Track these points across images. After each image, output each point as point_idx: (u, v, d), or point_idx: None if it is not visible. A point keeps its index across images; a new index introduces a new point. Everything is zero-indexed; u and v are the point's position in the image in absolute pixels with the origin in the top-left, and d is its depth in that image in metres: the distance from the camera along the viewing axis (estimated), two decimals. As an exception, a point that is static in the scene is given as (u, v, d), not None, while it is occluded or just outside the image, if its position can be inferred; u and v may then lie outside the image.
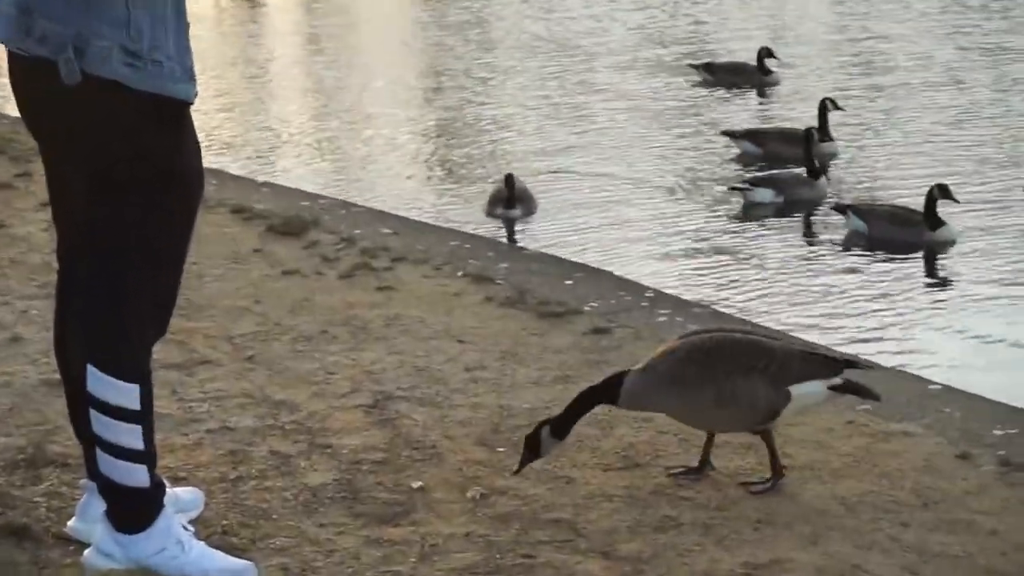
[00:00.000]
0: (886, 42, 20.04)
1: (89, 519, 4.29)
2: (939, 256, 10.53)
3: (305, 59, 21.80)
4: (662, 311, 8.02)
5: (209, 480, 4.97)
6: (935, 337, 8.55)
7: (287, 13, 26.77)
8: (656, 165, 13.36)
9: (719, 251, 10.59)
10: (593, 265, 9.79)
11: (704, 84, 17.31)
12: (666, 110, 16.02)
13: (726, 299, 9.26)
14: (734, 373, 4.94)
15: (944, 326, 8.79)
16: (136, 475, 4.12)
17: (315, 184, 12.77)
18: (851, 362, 5.27)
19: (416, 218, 11.28)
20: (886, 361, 7.56)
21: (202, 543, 4.29)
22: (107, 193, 3.98)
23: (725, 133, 14.03)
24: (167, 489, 4.33)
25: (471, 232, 10.85)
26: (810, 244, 11.07)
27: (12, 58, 4.01)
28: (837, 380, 5.09)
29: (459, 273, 8.32)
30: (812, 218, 11.75)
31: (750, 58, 17.61)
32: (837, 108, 13.71)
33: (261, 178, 12.76)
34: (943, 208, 10.81)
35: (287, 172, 13.57)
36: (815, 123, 13.34)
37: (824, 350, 5.72)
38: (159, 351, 5.07)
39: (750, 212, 11.78)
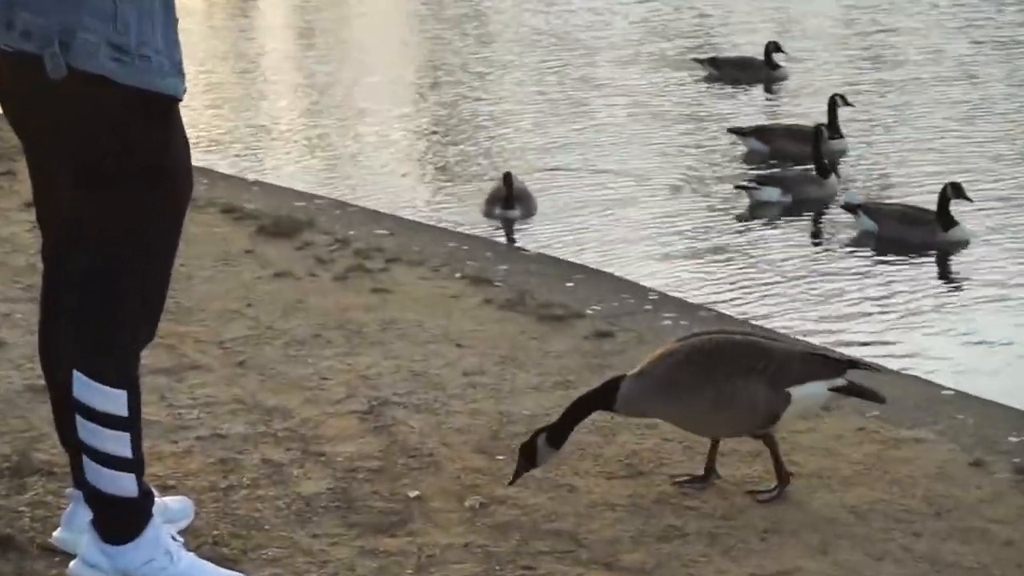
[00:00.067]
0: (896, 36, 20.06)
1: (75, 529, 4.29)
2: (952, 257, 10.54)
3: (297, 54, 21.81)
4: (666, 314, 8.03)
5: (199, 489, 4.97)
6: (948, 341, 8.56)
7: (279, 7, 26.77)
8: (659, 163, 13.37)
9: (725, 252, 10.59)
10: (595, 266, 9.79)
11: (709, 79, 17.32)
12: (670, 106, 16.03)
13: (732, 301, 9.27)
14: (732, 375, 4.94)
15: (957, 329, 8.79)
16: (123, 484, 4.11)
17: (308, 183, 12.77)
18: (854, 363, 5.26)
19: (412, 218, 11.29)
20: (897, 365, 7.57)
21: (192, 554, 4.28)
22: (94, 188, 3.98)
23: (731, 130, 14.04)
24: (156, 498, 4.33)
25: (469, 232, 10.86)
26: (818, 245, 11.08)
27: (-5, 53, 4.01)
28: (840, 381, 5.10)
29: (457, 275, 8.32)
30: (821, 218, 11.76)
31: (757, 52, 17.63)
32: (847, 104, 13.72)
33: (252, 177, 12.76)
34: (956, 207, 10.82)
35: (279, 170, 13.57)
36: (824, 119, 13.36)
37: (826, 351, 5.72)
38: (147, 356, 5.07)
39: (757, 212, 11.79)
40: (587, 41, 20.69)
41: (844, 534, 4.79)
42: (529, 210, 11.62)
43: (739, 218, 11.62)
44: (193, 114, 15.35)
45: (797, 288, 9.63)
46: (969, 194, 10.86)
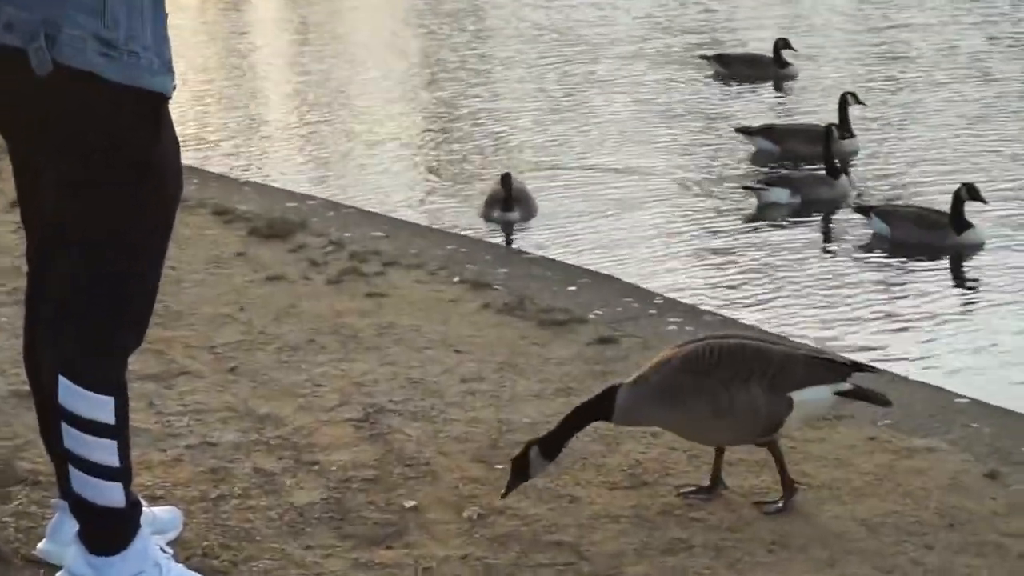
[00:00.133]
0: (909, 31, 20.08)
1: (61, 540, 4.29)
2: (966, 260, 10.54)
3: (290, 50, 21.82)
4: (672, 319, 8.03)
5: (188, 499, 4.98)
6: (962, 347, 8.56)
7: (271, 1, 26.81)
8: (664, 163, 13.38)
9: (731, 255, 10.60)
10: (597, 270, 9.80)
11: (717, 77, 17.34)
12: (675, 105, 16.04)
13: (738, 306, 9.27)
14: (731, 381, 4.94)
15: (972, 335, 8.79)
16: (111, 494, 4.11)
17: (301, 183, 12.78)
18: (860, 366, 5.26)
19: (409, 219, 11.30)
20: (909, 372, 7.57)
21: (181, 566, 4.29)
22: (80, 187, 3.98)
23: (739, 129, 14.05)
24: (144, 508, 4.33)
25: (468, 235, 10.87)
26: (829, 248, 11.09)
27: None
28: (844, 386, 5.09)
29: (455, 278, 8.33)
30: (831, 220, 11.77)
31: (766, 49, 17.64)
32: (858, 103, 13.73)
33: (244, 177, 12.77)
34: (971, 209, 10.82)
35: (271, 170, 13.58)
36: (835, 118, 13.36)
37: (829, 354, 5.72)
38: (135, 361, 5.08)
39: (765, 213, 11.80)
40: (589, 37, 20.71)
41: (854, 548, 4.79)
42: (529, 212, 11.62)
43: (747, 220, 11.63)
44: (183, 112, 15.37)
45: (806, 292, 9.64)
46: (984, 195, 10.86)
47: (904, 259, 10.50)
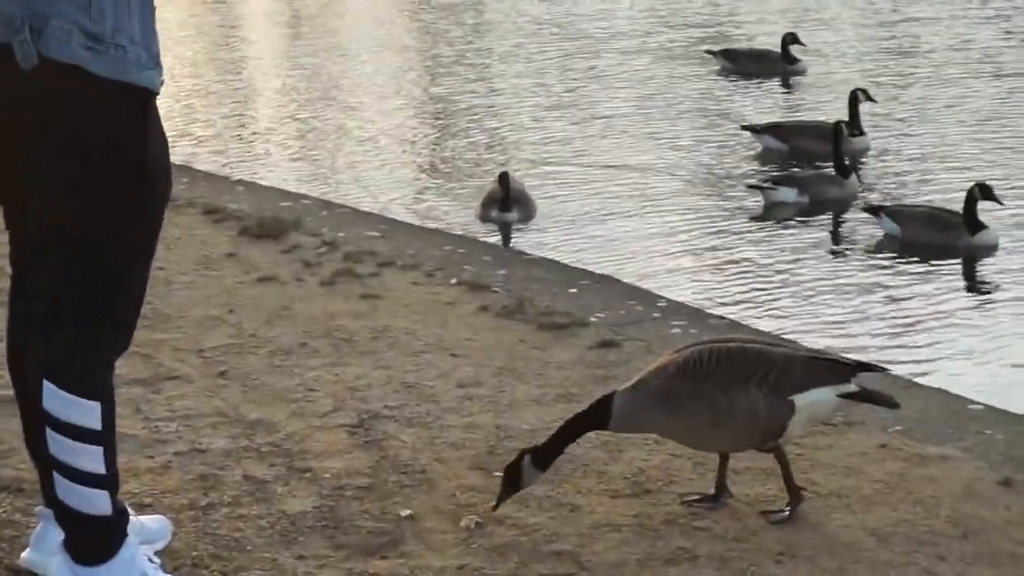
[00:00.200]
0: (921, 26, 20.09)
1: (45, 550, 4.29)
2: (979, 262, 10.54)
3: (282, 44, 21.83)
4: (676, 322, 8.04)
5: (177, 507, 4.98)
6: (975, 351, 8.56)
7: (263, -7, 26.83)
8: (668, 162, 13.38)
9: (738, 256, 10.60)
10: (599, 271, 9.80)
11: (723, 72, 17.35)
12: (680, 101, 16.04)
13: (744, 308, 9.27)
14: (730, 385, 4.94)
15: (985, 339, 8.79)
16: (97, 502, 4.12)
17: (294, 182, 12.79)
18: (865, 366, 5.24)
19: (405, 219, 11.30)
20: (921, 378, 7.57)
21: (169, 576, 4.30)
22: (80, 186, 3.98)
23: (745, 127, 14.06)
24: (131, 517, 4.33)
25: (465, 235, 10.87)
26: (837, 249, 11.08)
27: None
28: (849, 387, 5.08)
29: (452, 280, 8.34)
30: (840, 220, 11.76)
31: (773, 44, 17.66)
32: (869, 99, 13.74)
33: (235, 176, 12.78)
34: (984, 209, 10.82)
35: (263, 169, 13.59)
36: (844, 115, 13.37)
37: (832, 355, 5.72)
38: (122, 365, 5.08)
39: (772, 213, 11.80)
40: (590, 31, 20.72)
41: (863, 558, 4.79)
42: (527, 213, 11.61)
43: (753, 220, 11.63)
44: (171, 108, 15.37)
45: (814, 295, 9.64)
46: (998, 195, 10.86)
47: (915, 261, 10.50)
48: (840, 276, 10.14)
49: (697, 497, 5.18)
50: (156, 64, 4.03)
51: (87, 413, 4.05)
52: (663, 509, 5.12)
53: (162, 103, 4.17)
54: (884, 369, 5.54)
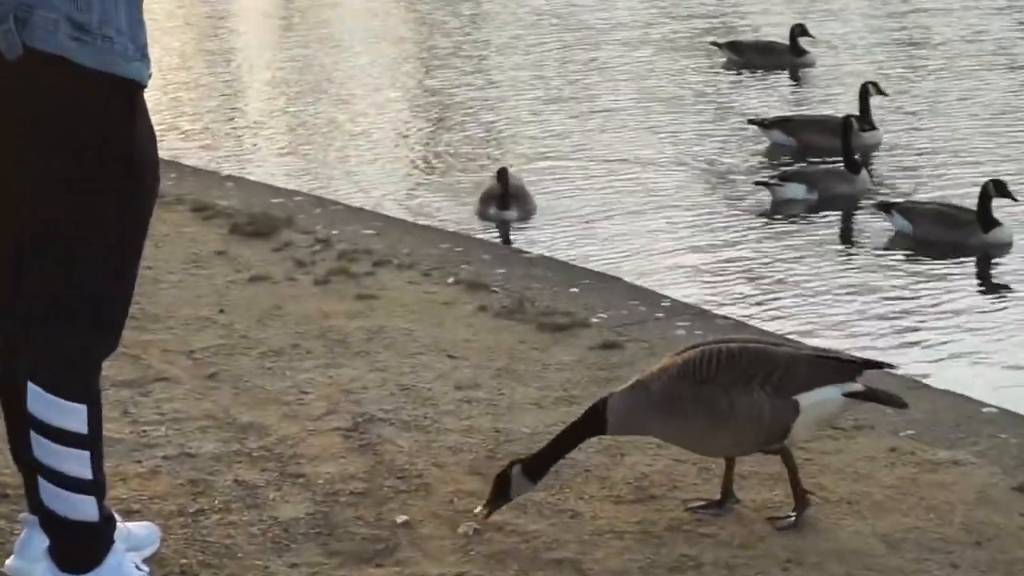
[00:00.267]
0: (932, 17, 20.10)
1: (29, 557, 4.29)
2: (993, 261, 10.54)
3: (274, 36, 21.83)
4: (680, 323, 8.03)
5: (166, 513, 4.98)
6: (989, 353, 8.56)
7: (254, -17, 26.83)
8: (672, 158, 13.38)
9: (744, 255, 10.60)
10: (601, 270, 9.80)
11: (729, 65, 17.36)
12: (683, 95, 16.05)
13: (751, 308, 9.27)
14: (732, 387, 4.94)
15: (999, 340, 8.79)
16: (83, 507, 4.12)
17: (286, 178, 12.79)
18: (871, 363, 5.24)
19: (401, 216, 11.30)
20: (933, 379, 7.57)
21: (158, 585, 4.30)
22: (64, 181, 3.98)
23: (752, 121, 14.06)
24: (118, 523, 4.34)
25: (463, 232, 10.87)
26: (847, 247, 11.09)
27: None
28: (855, 386, 5.08)
29: (450, 279, 8.34)
30: (850, 217, 11.77)
31: (781, 36, 17.66)
32: (880, 92, 13.74)
33: (225, 171, 12.78)
34: (998, 206, 10.82)
35: (254, 164, 13.59)
36: (854, 109, 13.38)
37: (837, 353, 5.71)
38: (109, 367, 5.08)
39: (780, 210, 11.80)
40: (591, 21, 20.73)
41: (874, 565, 4.80)
42: (527, 211, 11.61)
43: (760, 217, 11.63)
44: (159, 101, 15.37)
45: (823, 294, 9.64)
46: (1013, 191, 10.87)
47: (927, 259, 10.50)
48: (849, 275, 10.14)
49: (702, 503, 5.18)
50: (143, 56, 4.04)
51: (73, 416, 4.05)
52: (667, 515, 5.12)
53: (149, 96, 4.17)
54: (890, 365, 5.54)
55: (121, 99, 4.00)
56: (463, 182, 12.75)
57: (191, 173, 12.00)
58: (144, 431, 5.73)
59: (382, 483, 5.30)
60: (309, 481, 5.29)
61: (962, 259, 10.49)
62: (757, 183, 12.27)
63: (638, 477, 5.41)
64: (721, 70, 17.21)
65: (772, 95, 16.07)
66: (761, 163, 13.31)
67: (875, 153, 13.39)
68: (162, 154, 4.39)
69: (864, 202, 11.90)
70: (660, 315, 8.23)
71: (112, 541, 4.22)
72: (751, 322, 8.76)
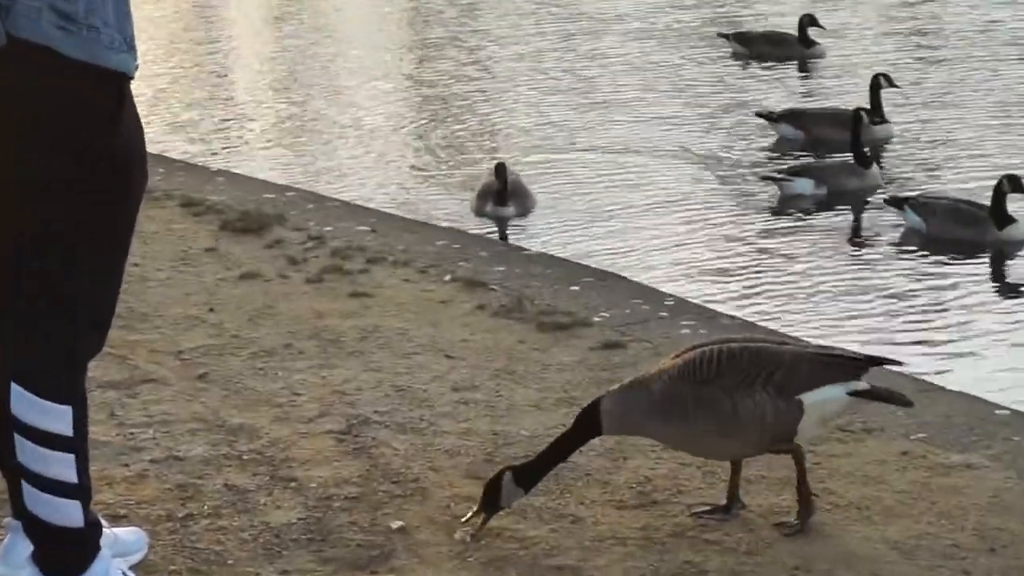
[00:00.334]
0: (945, 6, 20.10)
1: (13, 563, 4.29)
2: (1008, 258, 10.55)
3: (265, 26, 21.83)
4: (684, 322, 8.03)
5: (154, 518, 4.99)
6: (1003, 353, 8.57)
7: (245, -29, 26.83)
8: (677, 152, 13.38)
9: (751, 252, 10.60)
10: (603, 268, 9.80)
11: (735, 57, 17.35)
12: (689, 87, 16.05)
13: (758, 307, 9.28)
14: (734, 388, 4.94)
15: (1014, 340, 8.80)
16: (68, 512, 4.13)
17: (278, 173, 12.80)
18: (876, 360, 5.24)
19: (396, 213, 11.29)
20: (946, 382, 7.57)
21: (145, 592, 4.30)
22: (50, 175, 3.98)
23: (760, 114, 14.06)
24: (104, 529, 4.34)
25: (461, 229, 10.86)
26: (857, 244, 11.09)
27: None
28: (860, 385, 5.08)
29: (447, 277, 8.34)
30: (860, 214, 11.77)
31: (789, 26, 17.65)
32: (891, 85, 13.74)
33: (215, 166, 12.77)
34: (1014, 203, 10.83)
35: (245, 159, 13.59)
36: (865, 102, 13.37)
37: (840, 351, 5.71)
38: (95, 368, 5.09)
39: (788, 206, 11.80)
40: (592, 11, 20.72)
41: (884, 572, 4.80)
42: (525, 207, 11.60)
43: (768, 214, 11.63)
44: (146, 93, 15.37)
45: (832, 293, 9.64)
46: (1029, 187, 10.88)
47: (940, 256, 10.51)
48: (860, 273, 10.15)
49: (707, 508, 5.19)
50: (130, 47, 4.05)
51: (57, 418, 4.06)
52: (671, 521, 5.13)
53: (136, 88, 4.18)
54: (896, 362, 5.55)
55: (108, 91, 4.01)
56: (460, 177, 12.76)
57: (180, 167, 12.00)
58: (131, 434, 5.74)
59: (377, 487, 5.30)
60: (301, 485, 5.30)
61: (976, 257, 10.49)
62: (764, 178, 12.28)
63: (641, 481, 5.42)
64: (728, 62, 17.21)
65: (780, 87, 16.07)
66: (769, 158, 13.31)
67: (886, 147, 13.39)
68: (150, 148, 4.40)
69: (875, 198, 11.90)
70: (664, 314, 8.23)
71: (98, 547, 4.22)
72: (758, 321, 8.76)
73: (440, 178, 12.88)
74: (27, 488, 4.10)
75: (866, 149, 12.44)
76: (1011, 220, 10.75)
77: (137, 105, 4.20)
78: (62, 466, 4.09)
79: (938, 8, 20.01)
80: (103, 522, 4.36)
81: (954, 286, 9.87)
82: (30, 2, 3.88)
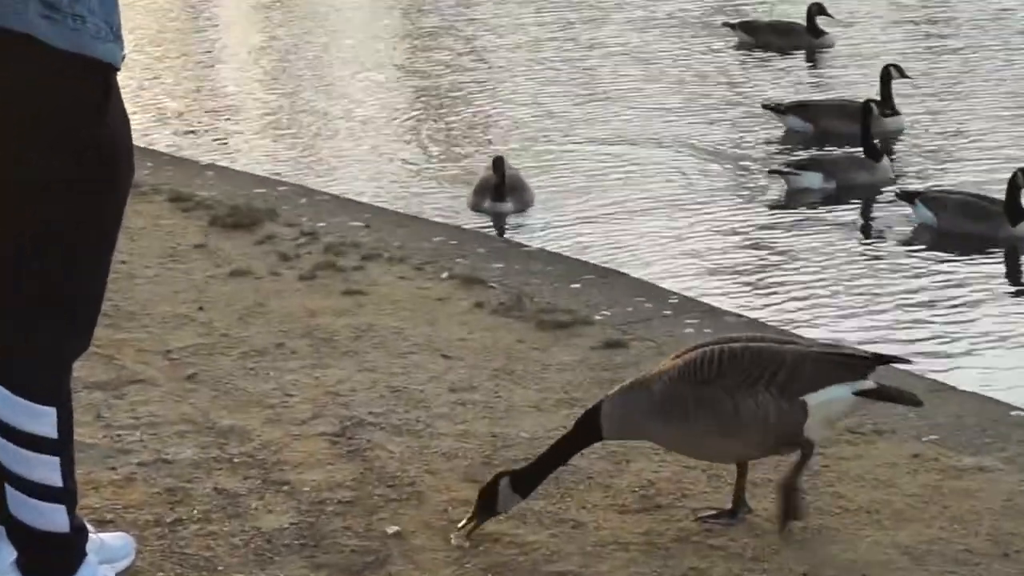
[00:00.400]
0: (957, -5, 20.11)
1: (-3, 570, 4.31)
2: (1022, 254, 10.55)
3: (256, 16, 21.83)
4: (688, 320, 8.03)
5: (141, 523, 4.98)
6: (1016, 353, 8.57)
7: (234, -41, 26.82)
8: (681, 145, 13.39)
9: (757, 248, 10.61)
10: (604, 265, 9.80)
11: (742, 47, 17.37)
12: (693, 78, 16.05)
13: (764, 304, 9.29)
14: (736, 389, 4.94)
15: (1028, 339, 8.82)
16: (53, 517, 4.13)
17: (270, 167, 12.80)
18: (882, 358, 5.23)
19: (391, 208, 11.29)
20: (958, 382, 7.57)
21: (133, 599, 4.31)
22: (36, 169, 3.99)
23: (767, 106, 14.07)
24: (91, 534, 4.34)
25: (458, 225, 10.86)
26: (867, 239, 11.10)
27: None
28: (867, 384, 5.06)
29: (443, 274, 8.33)
30: (870, 208, 11.78)
31: (798, 15, 17.66)
32: (902, 75, 13.75)
33: (204, 159, 12.77)
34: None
35: (235, 152, 13.59)
36: (875, 93, 13.38)
37: (846, 348, 5.71)
38: (81, 367, 5.09)
39: (796, 200, 11.81)
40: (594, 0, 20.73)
41: (895, 578, 4.81)
42: (524, 202, 11.61)
43: (775, 208, 11.64)
44: (133, 85, 15.37)
45: (841, 289, 9.65)
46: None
47: (952, 252, 10.52)
48: (869, 269, 10.16)
49: (712, 512, 5.19)
50: (117, 37, 4.05)
51: (41, 420, 4.06)
52: (675, 526, 5.13)
53: (123, 79, 4.17)
54: (904, 360, 5.55)
55: (94, 82, 4.01)
56: (456, 171, 12.76)
57: (168, 162, 11.99)
58: (118, 436, 5.73)
59: (371, 491, 5.30)
60: (294, 489, 5.30)
61: (988, 253, 10.50)
62: (772, 172, 12.29)
63: (644, 485, 5.42)
64: (734, 52, 17.22)
65: (788, 78, 16.08)
66: (776, 150, 13.32)
67: (897, 139, 13.40)
68: (137, 141, 4.40)
69: (885, 191, 11.91)
70: (667, 312, 8.23)
71: (84, 553, 4.22)
72: (764, 319, 8.77)
73: (436, 172, 12.89)
74: (11, 492, 4.10)
75: (876, 142, 12.46)
76: (1025, 215, 10.76)
77: (126, 97, 4.20)
78: (47, 469, 4.09)
79: (950, -4, 20.04)
80: (89, 527, 4.36)
81: (966, 283, 9.88)
82: (15, -10, 3.89)
